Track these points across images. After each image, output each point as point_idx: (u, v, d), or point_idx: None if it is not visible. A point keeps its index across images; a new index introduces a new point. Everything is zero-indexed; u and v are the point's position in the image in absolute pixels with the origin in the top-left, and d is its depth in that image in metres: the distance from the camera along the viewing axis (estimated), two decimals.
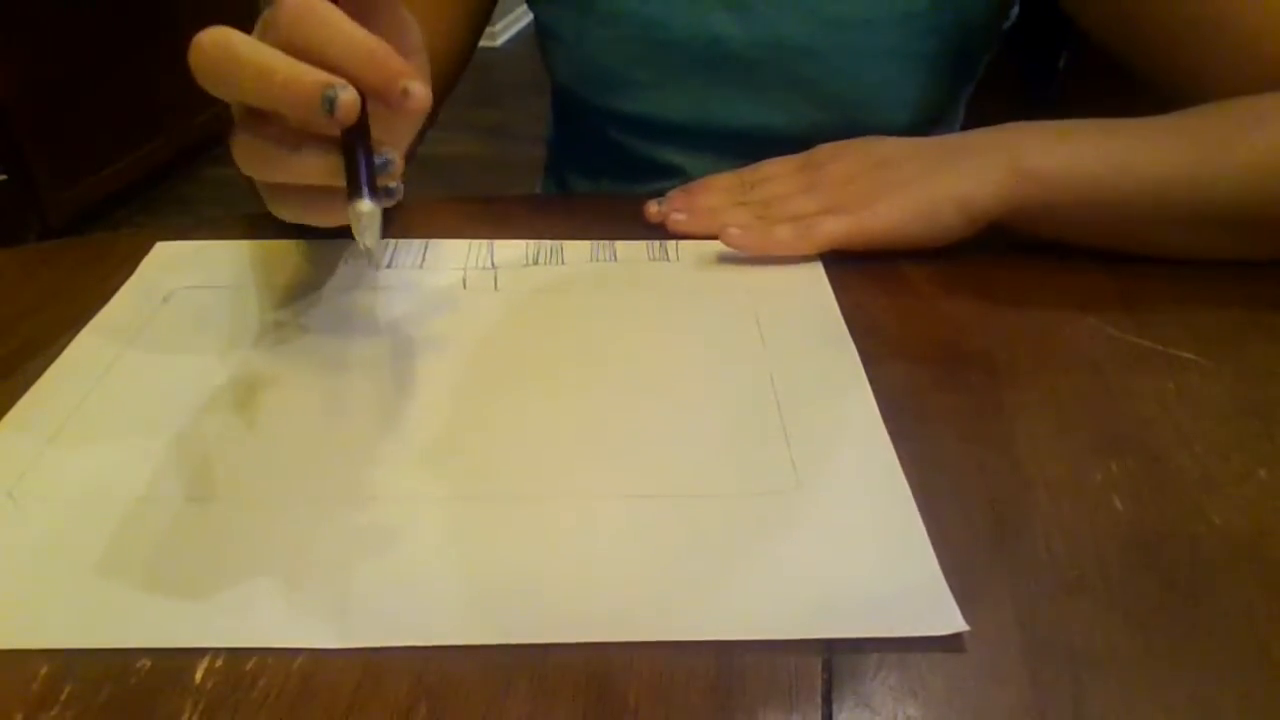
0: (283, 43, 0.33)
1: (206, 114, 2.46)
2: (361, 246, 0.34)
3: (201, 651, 0.29)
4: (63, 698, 0.27)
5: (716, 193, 0.54)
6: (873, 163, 0.51)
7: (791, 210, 0.50)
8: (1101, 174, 0.47)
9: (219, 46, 0.33)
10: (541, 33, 0.68)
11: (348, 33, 0.33)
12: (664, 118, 0.65)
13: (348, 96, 0.32)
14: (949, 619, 0.29)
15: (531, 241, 0.51)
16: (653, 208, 0.53)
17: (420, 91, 0.33)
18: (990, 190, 0.47)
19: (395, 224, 0.52)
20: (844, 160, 0.52)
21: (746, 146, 0.57)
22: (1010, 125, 0.49)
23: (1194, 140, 0.47)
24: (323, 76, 0.32)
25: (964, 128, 0.69)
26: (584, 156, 0.74)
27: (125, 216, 2.28)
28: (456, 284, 0.48)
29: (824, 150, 0.53)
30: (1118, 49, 0.55)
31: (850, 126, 0.54)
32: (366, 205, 0.33)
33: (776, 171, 0.54)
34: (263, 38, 0.33)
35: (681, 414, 0.39)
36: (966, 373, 0.42)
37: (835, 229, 0.49)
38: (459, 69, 0.65)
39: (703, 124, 0.64)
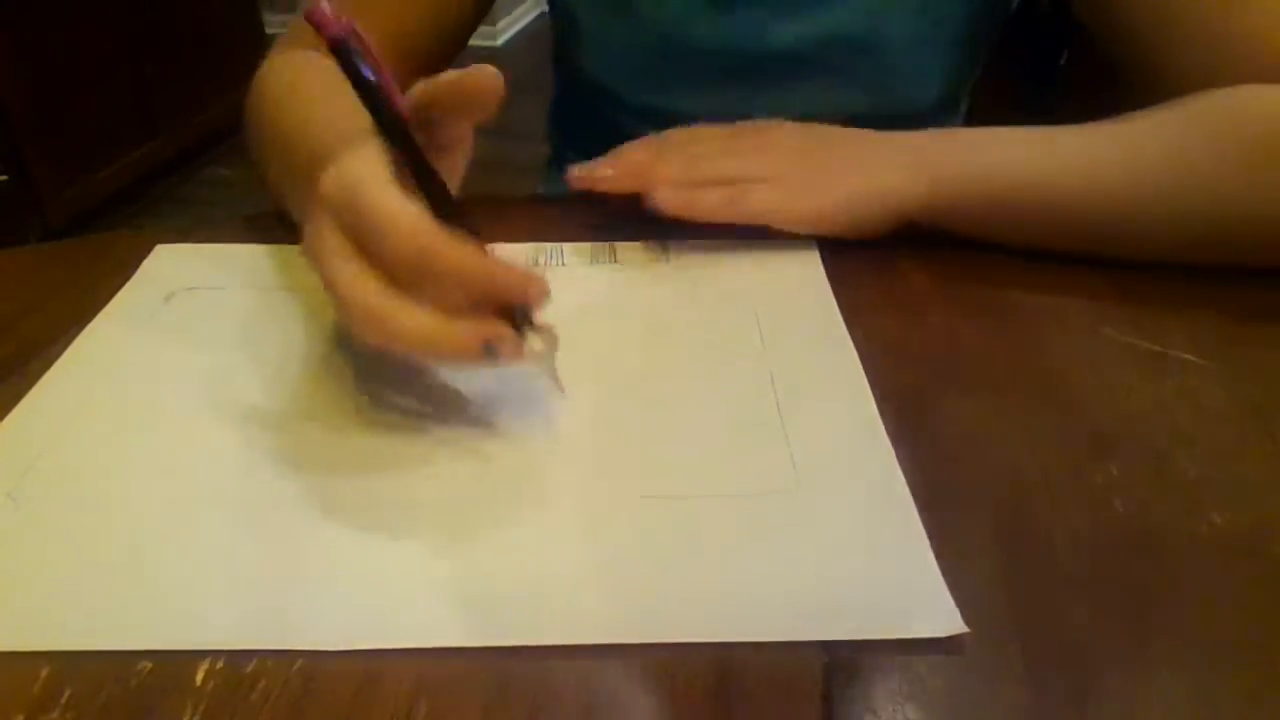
0: (404, 278, 0.33)
1: (206, 114, 2.46)
2: (547, 381, 0.37)
3: (202, 654, 0.29)
4: (63, 700, 0.28)
5: (642, 149, 0.53)
6: (808, 142, 0.51)
7: (719, 170, 0.50)
8: (1019, 180, 0.48)
9: (381, 331, 0.33)
10: (559, 19, 0.68)
11: (466, 269, 0.34)
12: (677, 110, 0.65)
13: (508, 349, 0.34)
14: (948, 620, 0.29)
15: (532, 244, 0.51)
16: (575, 170, 0.51)
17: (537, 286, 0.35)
18: (910, 190, 0.48)
19: None
20: (777, 131, 0.52)
21: None
22: (941, 130, 0.51)
23: (1122, 149, 0.48)
24: (480, 331, 0.33)
25: (967, 123, 0.69)
26: (585, 145, 0.74)
27: (125, 216, 2.27)
28: None
29: (759, 121, 0.53)
30: (1108, 47, 0.56)
31: (873, 121, 0.54)
32: (538, 343, 0.36)
33: (707, 134, 0.53)
34: (373, 251, 0.33)
35: (681, 414, 0.39)
36: (966, 373, 0.42)
37: (765, 202, 0.49)
38: (456, 50, 0.65)
39: (717, 118, 0.64)
